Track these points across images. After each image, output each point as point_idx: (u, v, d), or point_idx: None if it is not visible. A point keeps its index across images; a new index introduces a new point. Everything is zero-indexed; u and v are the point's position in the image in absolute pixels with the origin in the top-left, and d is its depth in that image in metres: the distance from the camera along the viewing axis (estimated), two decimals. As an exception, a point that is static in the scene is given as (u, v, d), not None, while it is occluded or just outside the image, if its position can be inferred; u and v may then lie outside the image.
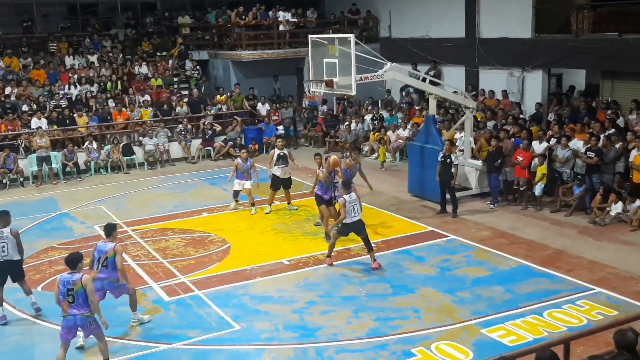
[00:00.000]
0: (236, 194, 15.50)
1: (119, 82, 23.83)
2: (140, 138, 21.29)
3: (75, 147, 20.29)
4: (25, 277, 10.49)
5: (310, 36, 15.58)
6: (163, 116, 22.34)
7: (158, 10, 29.37)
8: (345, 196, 11.56)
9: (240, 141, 22.18)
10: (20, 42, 25.34)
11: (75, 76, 23.43)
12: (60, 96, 22.37)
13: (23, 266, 10.53)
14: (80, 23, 28.10)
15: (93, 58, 24.84)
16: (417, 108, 21.69)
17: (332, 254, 12.03)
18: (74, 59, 24.66)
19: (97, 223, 14.89)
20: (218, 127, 22.23)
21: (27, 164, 19.38)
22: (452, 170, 14.37)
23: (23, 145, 20.00)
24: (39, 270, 12.15)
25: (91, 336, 8.65)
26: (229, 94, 24.00)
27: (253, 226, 14.36)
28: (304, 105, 25.08)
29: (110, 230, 9.51)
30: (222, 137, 22.26)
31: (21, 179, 19.10)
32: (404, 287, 10.83)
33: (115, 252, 9.10)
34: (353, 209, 11.50)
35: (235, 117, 22.75)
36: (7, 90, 22.04)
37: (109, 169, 20.39)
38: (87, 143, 20.46)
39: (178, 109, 22.69)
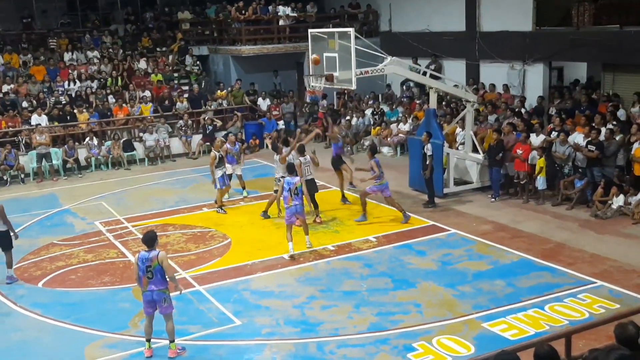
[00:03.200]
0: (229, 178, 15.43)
1: (119, 78, 23.79)
2: (141, 134, 21.26)
3: (76, 144, 20.28)
4: (12, 247, 11.57)
5: (310, 30, 15.52)
6: (163, 112, 22.33)
7: (157, 6, 29.27)
8: (301, 158, 13.64)
9: (241, 136, 22.14)
10: (19, 39, 25.29)
11: (75, 72, 23.38)
12: (60, 92, 22.34)
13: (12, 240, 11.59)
14: (80, 19, 28.04)
15: (93, 54, 24.79)
16: (417, 102, 21.64)
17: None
18: (73, 54, 24.60)
19: (98, 219, 14.90)
20: (219, 123, 22.19)
21: (28, 161, 19.36)
22: (427, 162, 14.45)
23: (24, 141, 19.99)
24: (40, 267, 12.15)
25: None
26: (229, 89, 23.96)
27: (254, 221, 14.33)
28: (305, 100, 25.02)
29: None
30: (223, 133, 22.20)
31: (22, 176, 19.08)
32: (405, 281, 10.81)
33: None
34: (307, 169, 13.66)
35: (236, 112, 22.70)
36: (5, 87, 21.97)
37: (110, 165, 20.37)
38: (87, 139, 20.44)
39: (178, 104, 22.66)
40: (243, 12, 25.32)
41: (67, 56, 24.39)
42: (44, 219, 15.16)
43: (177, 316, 9.73)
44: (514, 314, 9.39)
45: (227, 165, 15.41)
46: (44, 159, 19.27)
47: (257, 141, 22.34)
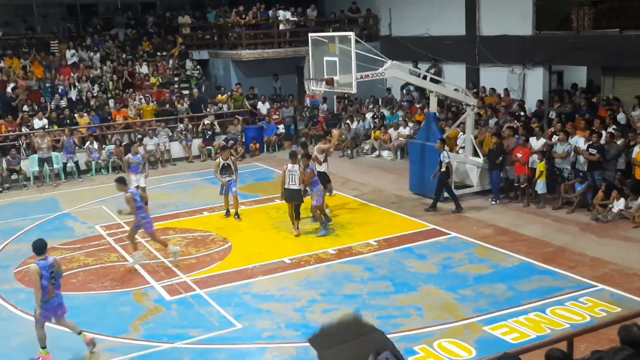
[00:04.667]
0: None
1: (119, 82, 23.83)
2: (139, 136, 21.28)
3: (77, 147, 20.29)
4: None
5: (310, 35, 15.56)
6: (164, 115, 22.34)
7: (158, 10, 29.34)
8: (288, 165, 13.37)
9: (241, 139, 22.17)
10: (20, 43, 25.33)
11: (76, 76, 23.41)
12: (60, 96, 22.35)
13: None
14: (81, 23, 28.10)
15: (94, 58, 24.82)
16: (418, 106, 21.67)
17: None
18: (74, 56, 24.63)
19: (99, 223, 14.90)
20: (217, 129, 22.17)
21: (29, 165, 19.36)
22: (442, 169, 14.41)
23: (24, 145, 20.00)
24: (40, 271, 12.11)
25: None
26: (229, 93, 23.99)
27: (254, 225, 14.33)
28: (305, 104, 25.05)
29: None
30: (223, 137, 22.23)
31: (22, 180, 19.08)
32: (405, 285, 10.81)
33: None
34: (291, 177, 13.26)
35: (237, 116, 22.72)
36: (8, 89, 22.03)
37: (110, 169, 20.37)
38: (87, 143, 20.44)
39: (179, 107, 22.68)
40: (243, 16, 25.36)
41: (68, 58, 24.37)
42: (44, 222, 15.15)
43: (178, 320, 9.76)
44: (515, 317, 9.38)
45: (130, 176, 14.87)
46: (45, 163, 19.28)
47: (258, 145, 22.36)
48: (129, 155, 15.67)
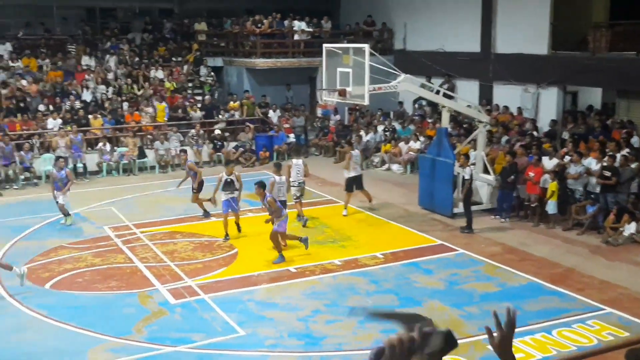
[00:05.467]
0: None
1: (134, 85, 23.98)
2: (150, 136, 21.38)
3: (88, 148, 20.40)
4: None
5: (325, 45, 15.62)
6: (176, 120, 22.46)
7: (175, 16, 29.57)
8: (276, 177, 13.44)
9: (251, 147, 22.23)
10: (39, 44, 25.57)
11: (91, 77, 23.58)
12: (75, 97, 22.50)
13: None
14: (99, 27, 28.36)
15: (110, 61, 25.00)
16: (429, 121, 21.64)
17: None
18: (90, 58, 24.83)
19: (107, 224, 14.93)
20: (227, 138, 22.25)
21: (41, 163, 19.46)
22: (465, 186, 14.34)
23: (38, 144, 20.12)
24: (48, 269, 12.16)
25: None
26: (241, 100, 24.09)
27: (261, 233, 14.26)
28: (316, 114, 25.10)
29: None
30: (234, 144, 22.30)
31: (34, 178, 19.19)
32: (410, 299, 10.75)
33: None
34: (279, 190, 13.36)
35: (248, 123, 22.79)
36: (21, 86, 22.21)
37: (121, 171, 20.45)
38: (100, 144, 20.55)
39: (192, 113, 22.79)
40: (259, 25, 25.49)
41: (85, 61, 24.59)
42: (54, 221, 15.18)
43: (181, 324, 9.74)
44: (521, 337, 9.29)
45: (54, 192, 14.65)
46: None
47: (267, 153, 22.39)
48: (53, 170, 15.03)
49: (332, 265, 12.30)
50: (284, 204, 13.44)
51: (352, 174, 15.65)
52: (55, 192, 14.66)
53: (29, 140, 20.08)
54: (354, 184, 15.71)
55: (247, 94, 24.23)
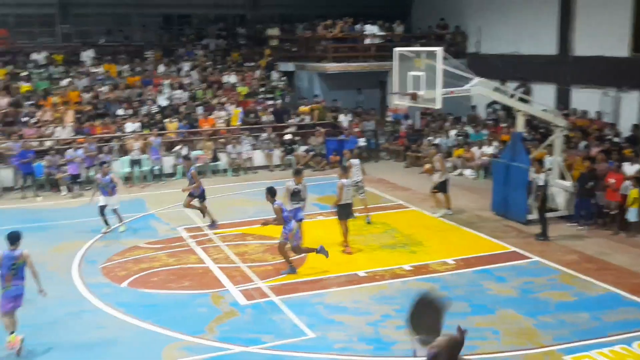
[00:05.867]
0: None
1: (208, 90, 24.55)
2: (222, 140, 21.81)
3: (164, 151, 21.05)
4: None
5: (396, 49, 15.54)
6: (248, 124, 22.86)
7: (248, 22, 30.14)
8: (343, 180, 13.05)
9: (321, 151, 22.35)
10: (119, 50, 26.57)
11: (168, 82, 24.30)
12: (152, 102, 23.24)
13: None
14: (175, 33, 29.24)
15: (185, 66, 25.71)
16: (503, 125, 21.20)
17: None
18: (166, 64, 25.60)
19: (181, 225, 15.31)
20: (297, 142, 22.47)
21: (120, 166, 20.19)
22: (538, 193, 13.96)
23: (116, 148, 20.88)
24: (125, 268, 12.58)
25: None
26: (311, 105, 24.28)
27: (330, 236, 14.30)
28: (387, 118, 25.00)
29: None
30: (304, 147, 22.48)
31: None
32: (483, 307, 10.53)
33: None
34: (347, 192, 13.10)
35: (318, 127, 22.94)
36: (102, 94, 23.10)
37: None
38: (177, 148, 21.14)
39: (263, 117, 23.15)
40: (330, 30, 25.63)
41: (161, 68, 25.39)
42: (131, 222, 15.69)
43: (252, 324, 9.88)
44: (598, 348, 8.97)
45: (100, 197, 14.81)
46: (134, 165, 20.09)
47: (338, 157, 22.42)
48: (98, 175, 15.16)
49: (402, 271, 12.20)
50: (350, 206, 13.44)
51: (443, 177, 15.59)
52: (101, 197, 14.75)
53: (109, 144, 20.86)
54: (445, 186, 15.69)
55: (317, 98, 24.38)
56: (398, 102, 14.97)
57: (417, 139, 22.76)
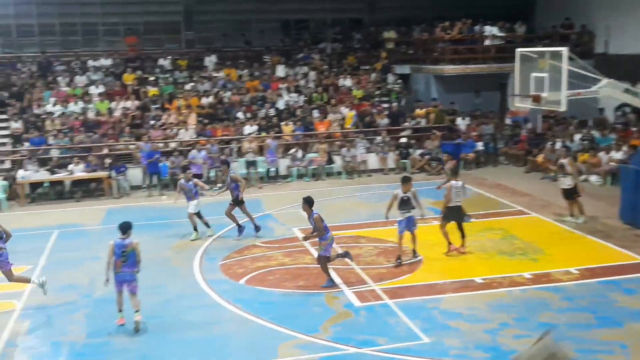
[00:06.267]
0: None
1: (324, 93, 24.88)
2: (337, 143, 21.98)
3: (280, 154, 21.54)
4: None
5: (518, 50, 15.06)
6: (363, 127, 22.94)
7: (364, 26, 30.28)
8: (453, 182, 12.82)
9: (437, 155, 21.99)
10: (238, 55, 27.52)
11: (285, 86, 24.86)
12: (269, 105, 23.86)
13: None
14: (293, 38, 29.90)
15: (302, 70, 26.20)
16: (633, 129, 19.96)
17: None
18: (284, 68, 26.21)
19: (296, 226, 15.55)
20: (413, 145, 22.25)
21: (237, 167, 20.85)
22: None
23: (235, 150, 21.60)
24: (243, 265, 12.95)
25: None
26: (427, 108, 23.99)
27: (445, 241, 14.04)
28: (505, 122, 24.24)
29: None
30: (420, 151, 22.24)
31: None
32: (609, 319, 9.94)
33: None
34: (457, 194, 12.80)
35: (434, 131, 22.61)
36: (225, 98, 23.99)
37: (310, 176, 21.28)
38: (292, 150, 21.56)
39: (378, 120, 23.14)
40: (448, 31, 25.22)
41: (279, 72, 26.02)
42: (248, 221, 16.10)
43: (366, 326, 9.87)
44: None
45: (192, 202, 14.73)
46: (251, 167, 20.68)
47: (454, 161, 21.98)
48: (182, 181, 15.02)
49: (522, 279, 11.76)
50: (458, 209, 13.16)
51: (574, 182, 15.00)
52: (192, 202, 14.72)
53: (228, 146, 21.61)
54: (574, 192, 15.09)
55: (435, 101, 24.07)
56: (519, 104, 14.51)
57: (538, 143, 21.89)
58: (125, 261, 9.90)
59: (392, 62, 27.39)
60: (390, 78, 26.49)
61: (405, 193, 12.51)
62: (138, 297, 10.04)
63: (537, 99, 13.85)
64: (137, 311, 9.96)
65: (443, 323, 9.97)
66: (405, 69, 27.19)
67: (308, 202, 11.52)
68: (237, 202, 14.85)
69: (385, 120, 23.33)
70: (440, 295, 11.13)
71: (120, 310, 10.07)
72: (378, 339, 9.43)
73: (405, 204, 12.49)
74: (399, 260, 12.61)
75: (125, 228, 10.09)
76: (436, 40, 25.55)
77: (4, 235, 11.05)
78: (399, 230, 12.64)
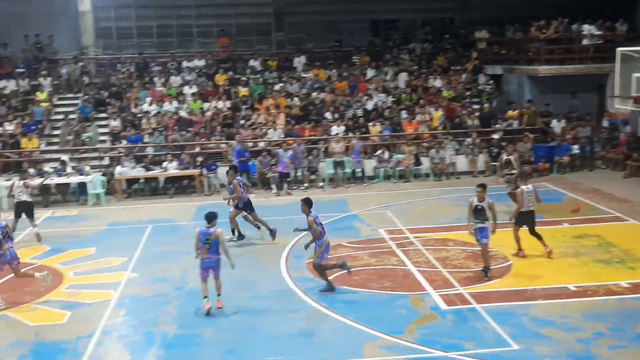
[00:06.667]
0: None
1: (412, 94, 24.66)
2: (425, 144, 21.70)
3: (366, 154, 21.51)
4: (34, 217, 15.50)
5: (619, 49, 14.38)
6: (453, 129, 22.58)
7: (456, 25, 29.81)
8: (523, 187, 12.54)
9: (529, 158, 21.33)
10: (327, 56, 27.72)
11: (373, 87, 24.81)
12: (357, 105, 23.86)
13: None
14: (382, 38, 29.83)
15: (391, 71, 26.08)
16: None
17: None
18: (372, 69, 26.17)
19: (382, 227, 15.50)
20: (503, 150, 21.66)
21: (325, 167, 21.00)
22: None
23: (323, 150, 21.76)
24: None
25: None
26: (520, 109, 23.32)
27: (537, 246, 13.58)
28: (603, 124, 23.21)
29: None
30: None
31: (319, 181, 20.80)
32: None
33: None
34: (529, 199, 12.49)
35: (526, 133, 21.94)
36: (316, 99, 24.18)
37: (397, 177, 21.14)
38: (379, 152, 21.48)
39: (468, 122, 22.72)
40: (543, 31, 24.43)
41: (369, 73, 26.02)
42: (334, 221, 16.20)
43: (452, 330, 9.70)
44: None
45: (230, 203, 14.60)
46: (338, 167, 20.78)
47: (548, 165, 21.30)
48: (236, 179, 14.71)
49: (618, 287, 11.22)
50: (531, 213, 12.81)
51: None
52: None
53: (316, 146, 21.78)
54: None
55: (529, 103, 23.37)
56: (620, 106, 13.86)
57: (638, 147, 20.83)
58: (210, 248, 10.50)
59: (484, 63, 26.85)
60: (482, 79, 25.95)
61: (480, 202, 11.78)
62: (220, 280, 10.67)
63: (639, 101, 13.18)
64: (219, 295, 10.64)
65: (533, 330, 9.65)
66: (497, 70, 26.56)
67: (307, 203, 11.49)
68: (241, 208, 14.68)
69: (476, 122, 22.85)
70: (531, 301, 10.78)
71: (205, 297, 10.58)
72: (465, 344, 9.23)
73: (478, 213, 11.77)
74: (487, 271, 11.91)
75: (211, 218, 10.69)
76: (531, 39, 24.83)
77: (12, 235, 11.86)
78: (477, 239, 11.93)
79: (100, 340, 9.85)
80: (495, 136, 21.77)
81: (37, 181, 17.69)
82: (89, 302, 11.37)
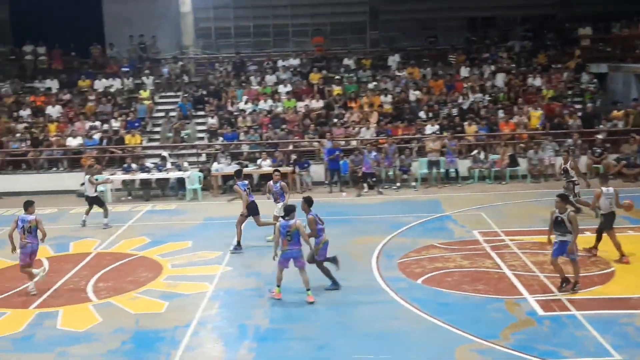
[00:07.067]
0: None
1: (510, 93, 23.96)
2: (522, 145, 21.03)
3: (461, 155, 21.08)
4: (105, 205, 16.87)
5: None
6: (552, 129, 21.77)
7: (557, 22, 28.70)
8: (603, 188, 12.37)
9: (635, 160, 20.24)
10: (422, 54, 27.38)
11: (469, 85, 24.29)
12: (453, 105, 23.43)
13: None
14: (479, 36, 29.14)
15: (488, 69, 25.44)
16: None
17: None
18: (469, 69, 25.62)
19: (476, 228, 15.14)
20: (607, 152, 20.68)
21: (418, 167, 20.75)
22: None
23: (416, 149, 21.52)
24: (420, 265, 12.83)
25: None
26: (626, 109, 22.16)
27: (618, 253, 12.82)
28: None
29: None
30: (615, 155, 20.62)
31: (412, 181, 20.55)
32: None
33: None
34: (609, 201, 12.31)
35: (633, 134, 20.83)
36: (412, 97, 23.93)
37: (493, 178, 20.60)
38: (474, 152, 21.01)
39: (570, 122, 21.83)
40: (654, 26, 23.15)
41: (464, 71, 25.51)
42: (427, 221, 15.99)
43: (550, 337, 9.36)
44: None
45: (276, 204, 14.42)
46: (434, 167, 20.49)
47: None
48: (270, 182, 14.76)
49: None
50: (613, 215, 12.49)
51: None
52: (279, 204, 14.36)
53: (408, 145, 21.57)
54: None
55: (635, 102, 22.18)
56: None
57: None
58: (290, 240, 10.81)
59: (587, 61, 25.69)
60: (585, 77, 24.83)
61: (560, 213, 10.90)
62: (307, 275, 10.93)
63: None
64: (308, 290, 10.87)
65: (638, 341, 9.13)
66: (602, 68, 25.38)
67: (307, 202, 11.67)
68: (253, 213, 14.48)
69: (578, 122, 21.90)
70: (636, 310, 10.21)
71: (278, 285, 11.02)
72: (563, 351, 8.86)
73: (559, 225, 10.92)
74: (563, 285, 11.04)
75: (289, 211, 11.03)
76: (639, 36, 23.53)
77: (35, 231, 11.74)
78: (552, 252, 11.09)
79: (196, 331, 10.15)
80: (599, 136, 20.79)
81: (102, 179, 18.31)
82: (186, 293, 11.75)
